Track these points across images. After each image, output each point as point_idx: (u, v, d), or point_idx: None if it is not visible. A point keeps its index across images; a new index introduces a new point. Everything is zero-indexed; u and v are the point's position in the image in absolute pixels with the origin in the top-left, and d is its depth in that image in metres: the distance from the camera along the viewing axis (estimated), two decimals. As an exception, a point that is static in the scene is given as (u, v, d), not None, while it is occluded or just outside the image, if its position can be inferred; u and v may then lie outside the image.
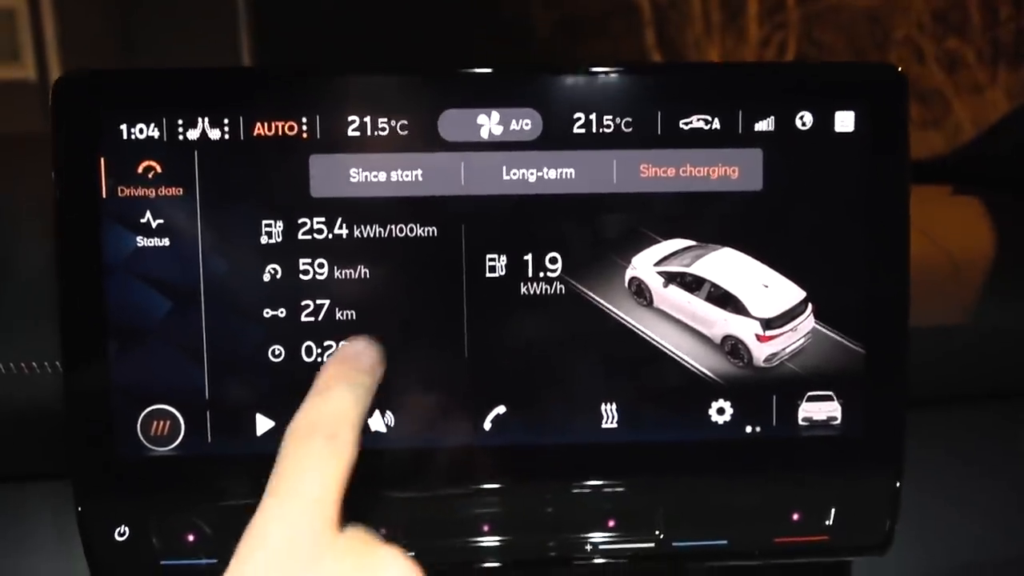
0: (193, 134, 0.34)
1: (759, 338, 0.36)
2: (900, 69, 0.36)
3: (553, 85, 0.35)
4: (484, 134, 0.35)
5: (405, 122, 0.34)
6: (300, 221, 0.35)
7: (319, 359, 0.35)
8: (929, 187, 0.63)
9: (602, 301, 0.36)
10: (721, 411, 0.36)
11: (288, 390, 0.35)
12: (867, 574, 0.45)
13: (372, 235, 0.35)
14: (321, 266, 0.35)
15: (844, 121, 0.36)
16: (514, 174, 0.35)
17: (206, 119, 0.34)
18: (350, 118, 0.34)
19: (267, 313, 0.35)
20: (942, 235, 0.51)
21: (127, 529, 0.35)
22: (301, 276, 0.35)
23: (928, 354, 0.40)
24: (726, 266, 0.36)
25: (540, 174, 0.35)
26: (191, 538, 0.35)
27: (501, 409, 0.36)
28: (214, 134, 0.34)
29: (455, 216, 0.35)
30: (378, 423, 0.35)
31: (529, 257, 0.35)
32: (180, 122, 0.34)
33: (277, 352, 0.35)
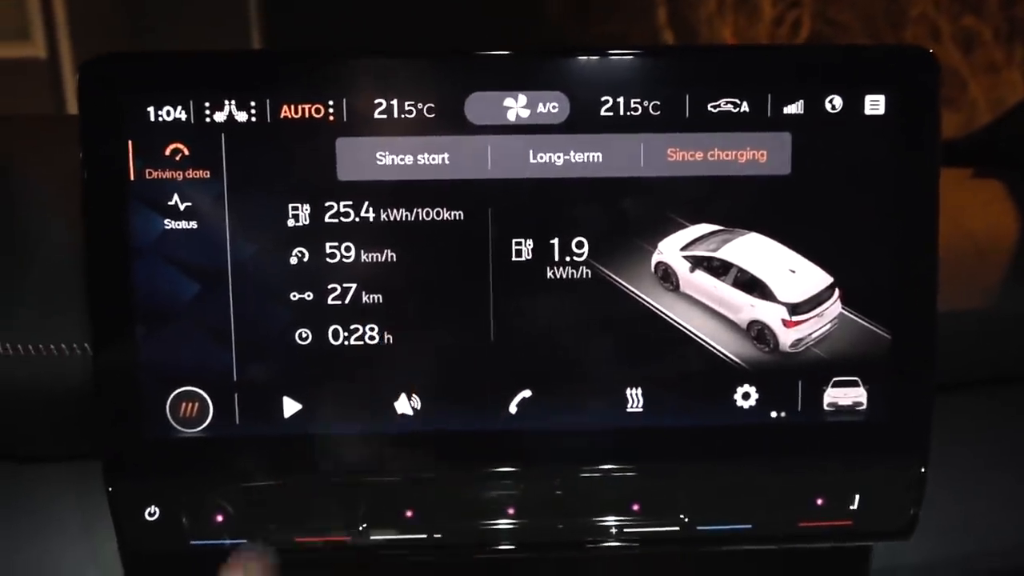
0: (220, 117, 0.34)
1: (785, 323, 0.36)
2: (931, 52, 0.36)
3: (581, 68, 0.35)
4: (511, 117, 0.35)
5: (432, 105, 0.34)
6: (327, 204, 0.34)
7: (346, 342, 0.35)
8: (949, 169, 0.62)
9: (628, 286, 0.36)
10: (746, 396, 0.36)
11: (315, 373, 0.35)
12: (886, 556, 0.45)
13: (399, 218, 0.35)
14: (348, 249, 0.35)
15: (874, 104, 0.35)
16: (541, 157, 0.35)
17: (233, 102, 0.34)
18: (377, 101, 0.34)
19: (294, 296, 0.35)
20: (964, 218, 0.51)
21: (157, 509, 0.35)
22: (328, 259, 0.35)
23: (950, 338, 0.39)
24: (753, 251, 0.36)
25: (567, 158, 0.35)
26: (219, 518, 0.35)
27: (526, 393, 0.36)
28: (241, 117, 0.34)
29: (482, 200, 0.35)
30: (404, 406, 0.35)
31: (555, 241, 0.35)
32: (207, 105, 0.34)
33: (304, 335, 0.35)
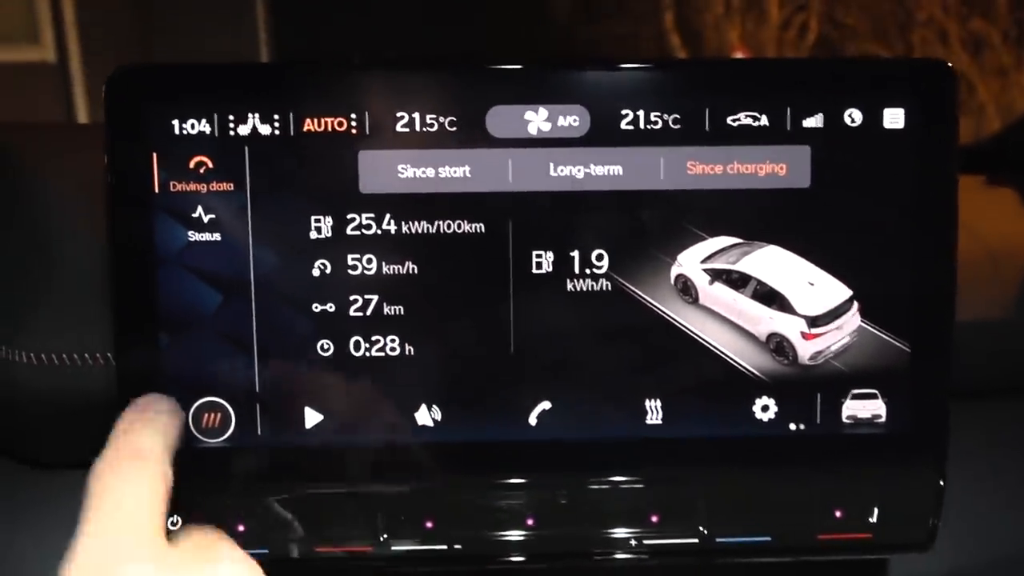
0: (244, 130, 0.34)
1: (804, 336, 0.36)
2: (950, 65, 0.36)
3: (601, 81, 0.35)
4: (532, 130, 0.35)
5: (453, 118, 0.35)
6: (349, 216, 0.35)
7: (367, 353, 0.35)
8: (961, 176, 0.62)
9: (648, 298, 0.36)
10: (765, 408, 0.36)
11: (337, 384, 0.35)
12: (903, 568, 0.45)
13: (420, 231, 0.35)
14: (370, 261, 0.35)
15: (893, 118, 0.35)
16: (561, 171, 0.35)
17: (257, 115, 0.34)
18: (399, 114, 0.34)
19: (316, 307, 0.35)
20: (977, 225, 0.51)
21: (179, 519, 0.35)
22: (350, 271, 0.35)
23: (963, 347, 0.40)
24: (772, 264, 0.36)
25: (587, 171, 0.35)
26: (241, 528, 0.35)
27: (546, 404, 0.36)
28: (265, 130, 0.34)
29: (502, 212, 0.35)
30: (425, 417, 0.36)
31: (575, 253, 0.35)
32: (231, 118, 0.34)
33: (326, 346, 0.35)
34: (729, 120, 0.35)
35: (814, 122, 0.35)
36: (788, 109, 0.35)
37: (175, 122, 0.34)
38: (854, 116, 0.35)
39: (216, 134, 0.34)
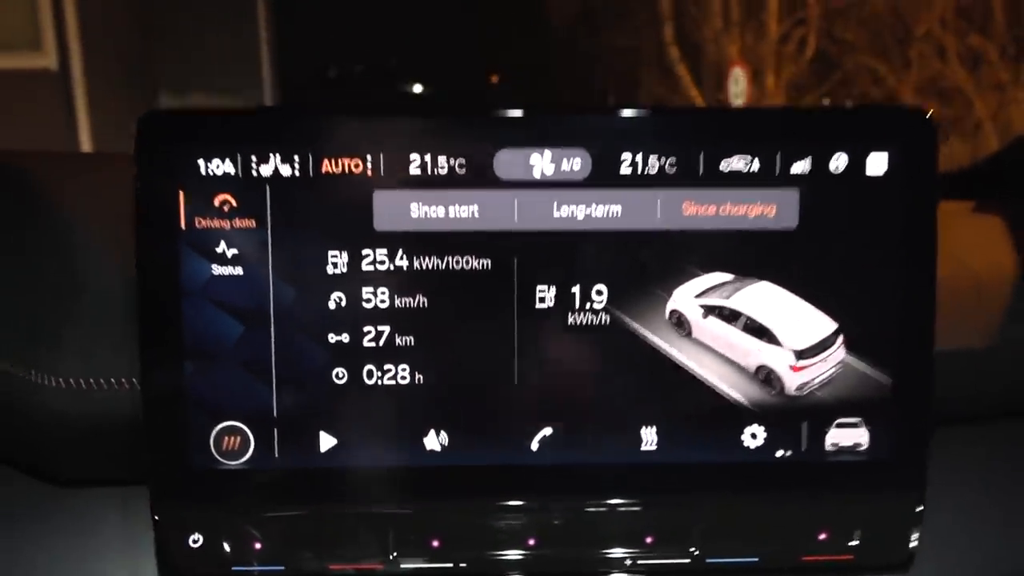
0: (266, 170, 0.36)
1: (792, 368, 0.38)
2: (930, 114, 0.38)
3: (601, 126, 0.37)
4: (536, 173, 0.37)
5: (463, 161, 0.37)
6: (364, 252, 0.37)
7: (379, 381, 0.37)
8: (951, 202, 0.64)
9: (644, 331, 0.38)
10: (754, 436, 0.38)
11: (350, 410, 0.37)
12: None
13: (430, 267, 0.37)
14: (383, 295, 0.37)
15: (876, 163, 0.38)
16: (564, 211, 0.37)
17: (278, 156, 0.36)
18: (412, 156, 0.37)
19: (332, 338, 0.37)
20: (964, 254, 0.53)
21: (200, 537, 0.37)
22: (364, 304, 0.37)
23: (949, 375, 0.42)
24: (762, 299, 0.38)
25: (588, 211, 0.37)
26: (259, 546, 0.37)
27: (548, 431, 0.38)
28: (285, 170, 0.36)
29: (508, 250, 0.37)
30: (433, 442, 0.38)
31: (576, 289, 0.38)
32: (254, 159, 0.36)
33: (340, 374, 0.37)
34: (722, 164, 0.37)
35: (802, 167, 0.37)
36: (778, 155, 0.37)
37: (201, 162, 0.36)
38: (839, 161, 0.38)
39: (239, 174, 0.36)
